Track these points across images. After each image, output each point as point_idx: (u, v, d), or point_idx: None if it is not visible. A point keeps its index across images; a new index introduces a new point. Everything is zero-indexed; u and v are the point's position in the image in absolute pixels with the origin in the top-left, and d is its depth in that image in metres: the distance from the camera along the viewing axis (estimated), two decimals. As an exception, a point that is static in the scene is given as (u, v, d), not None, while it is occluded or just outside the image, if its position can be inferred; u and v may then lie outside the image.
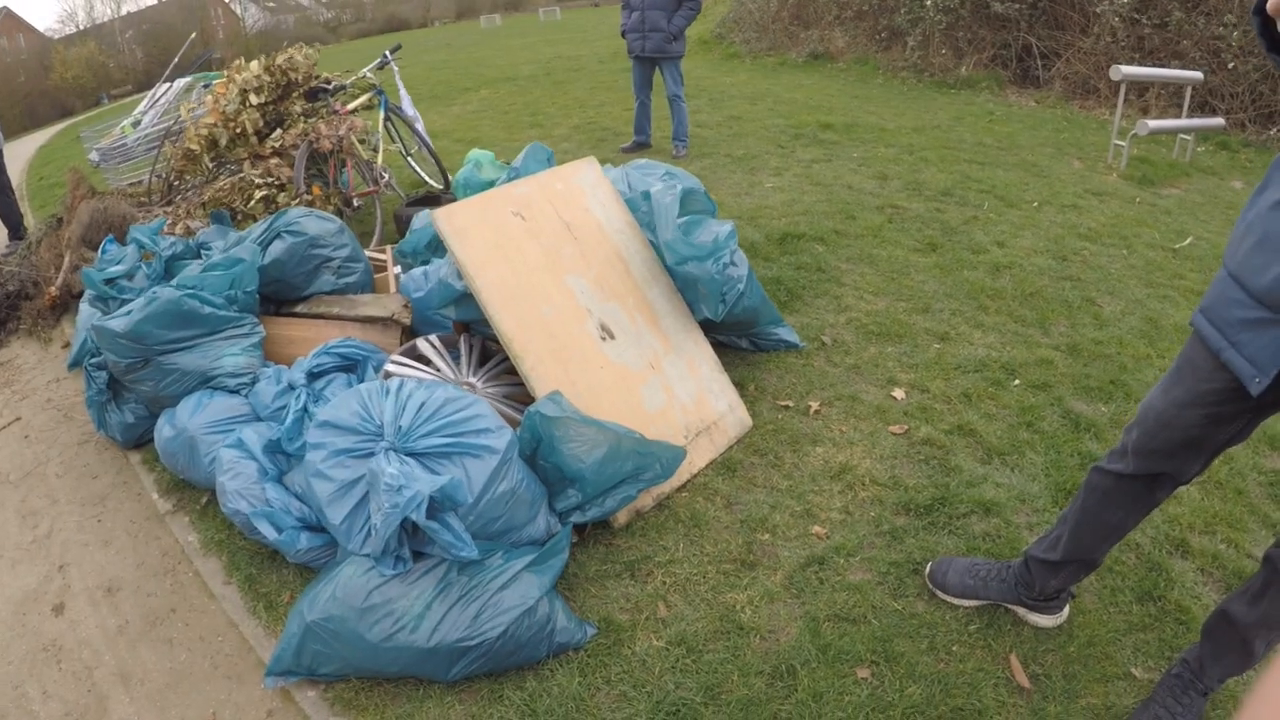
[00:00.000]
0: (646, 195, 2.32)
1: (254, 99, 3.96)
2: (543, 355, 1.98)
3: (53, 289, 3.99)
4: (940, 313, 3.41)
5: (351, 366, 2.25)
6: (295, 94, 4.14)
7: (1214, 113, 6.75)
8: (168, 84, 5.37)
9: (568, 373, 2.01)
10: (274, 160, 3.89)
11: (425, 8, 33.73)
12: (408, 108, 4.56)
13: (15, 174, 5.83)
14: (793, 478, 2.36)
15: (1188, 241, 4.41)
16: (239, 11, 31.25)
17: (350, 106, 4.17)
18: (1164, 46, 6.96)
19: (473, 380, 2.12)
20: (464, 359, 2.18)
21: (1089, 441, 2.56)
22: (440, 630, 1.51)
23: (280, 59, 4.07)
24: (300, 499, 1.86)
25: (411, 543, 1.55)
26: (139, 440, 2.78)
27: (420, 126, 4.61)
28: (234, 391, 2.36)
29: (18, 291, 4.09)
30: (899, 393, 2.85)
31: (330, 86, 4.11)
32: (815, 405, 2.71)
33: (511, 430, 1.72)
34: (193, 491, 2.49)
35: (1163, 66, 6.95)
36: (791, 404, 2.71)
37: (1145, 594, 1.87)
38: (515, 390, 2.13)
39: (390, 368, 2.08)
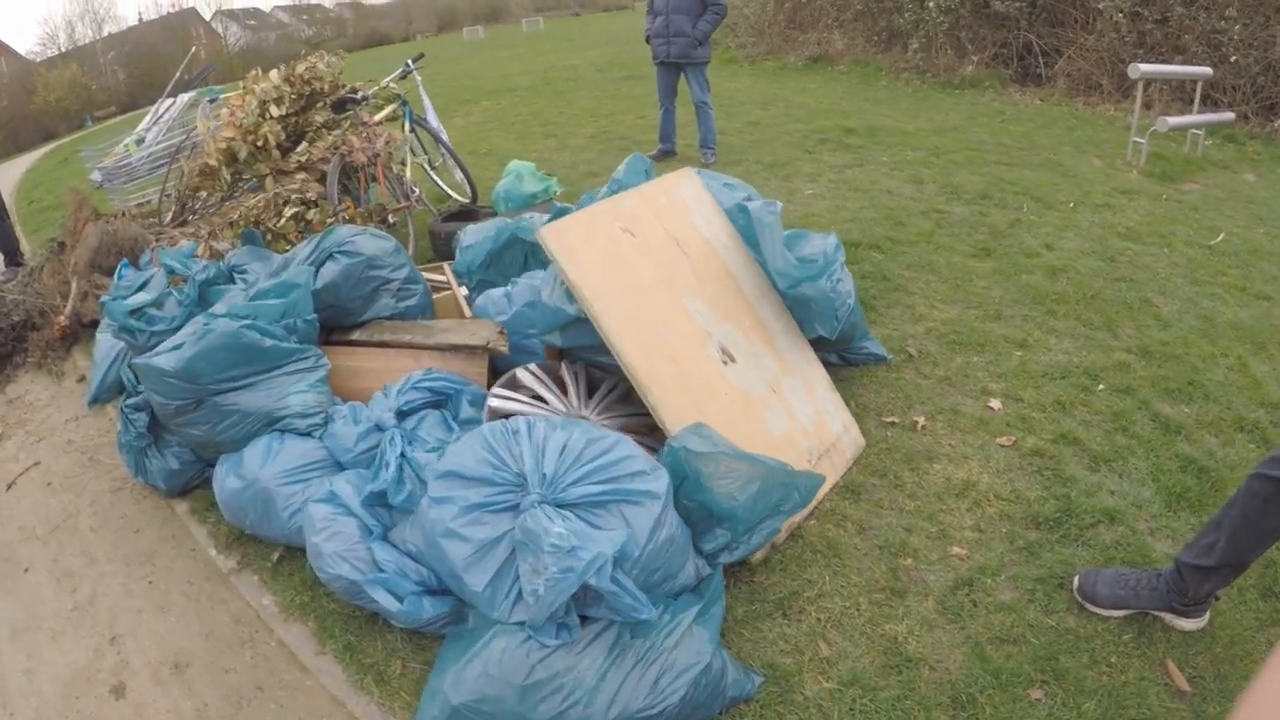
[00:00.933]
0: (743, 210, 2.16)
1: (274, 110, 3.72)
2: (668, 383, 1.80)
3: (62, 319, 3.69)
4: (1012, 319, 3.33)
5: (442, 402, 2.04)
6: (319, 104, 3.92)
7: (1216, 106, 6.82)
8: (170, 99, 5.10)
9: (695, 401, 1.83)
10: (301, 175, 3.65)
11: (407, 21, 34.03)
12: (432, 119, 4.36)
13: (5, 198, 5.51)
14: (918, 497, 2.24)
15: (1220, 238, 4.39)
16: (221, 30, 31.34)
17: (377, 118, 3.96)
18: (1165, 41, 7.03)
19: (586, 413, 1.93)
20: (572, 389, 1.98)
21: (1182, 444, 2.55)
22: (619, 702, 1.32)
23: (301, 68, 3.85)
24: (414, 558, 1.64)
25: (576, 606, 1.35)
26: (185, 487, 2.53)
27: (445, 138, 4.41)
28: (305, 434, 2.13)
29: (23, 322, 3.77)
30: (995, 403, 2.74)
31: (358, 96, 3.89)
32: (921, 420, 2.57)
33: (666, 471, 1.54)
34: (258, 546, 2.24)
35: (1164, 61, 7.02)
36: (896, 420, 2.57)
37: (1267, 590, 1.89)
38: (631, 421, 1.94)
39: (495, 403, 1.88)
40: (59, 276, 3.94)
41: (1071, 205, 4.79)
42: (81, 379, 3.50)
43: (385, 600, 1.55)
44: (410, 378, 2.04)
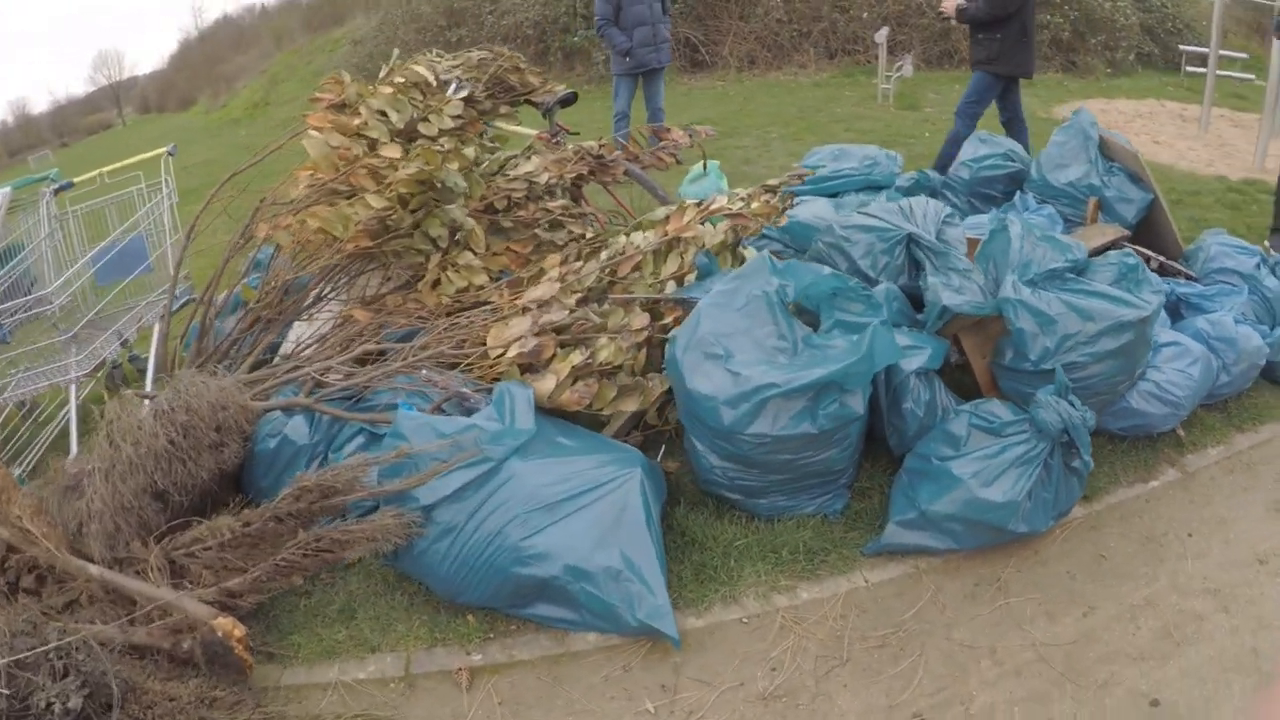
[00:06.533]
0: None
1: (441, 122, 3.02)
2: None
3: (229, 623, 1.99)
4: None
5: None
6: (503, 109, 3.39)
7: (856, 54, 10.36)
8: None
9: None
10: (559, 204, 3.10)
11: None
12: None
13: None
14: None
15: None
16: None
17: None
18: (809, 13, 10.34)
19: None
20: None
21: None
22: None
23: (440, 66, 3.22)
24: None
25: None
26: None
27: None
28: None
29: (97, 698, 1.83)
30: None
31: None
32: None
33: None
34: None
35: (808, 30, 10.39)
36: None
37: None
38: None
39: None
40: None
41: (928, 135, 7.06)
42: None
43: None
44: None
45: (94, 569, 2.18)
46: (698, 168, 4.09)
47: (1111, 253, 2.62)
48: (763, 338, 2.23)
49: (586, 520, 2.05)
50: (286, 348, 3.10)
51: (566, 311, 2.52)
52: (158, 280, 3.27)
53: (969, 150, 4.10)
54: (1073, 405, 2.24)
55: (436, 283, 3.05)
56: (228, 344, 2.88)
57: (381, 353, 2.80)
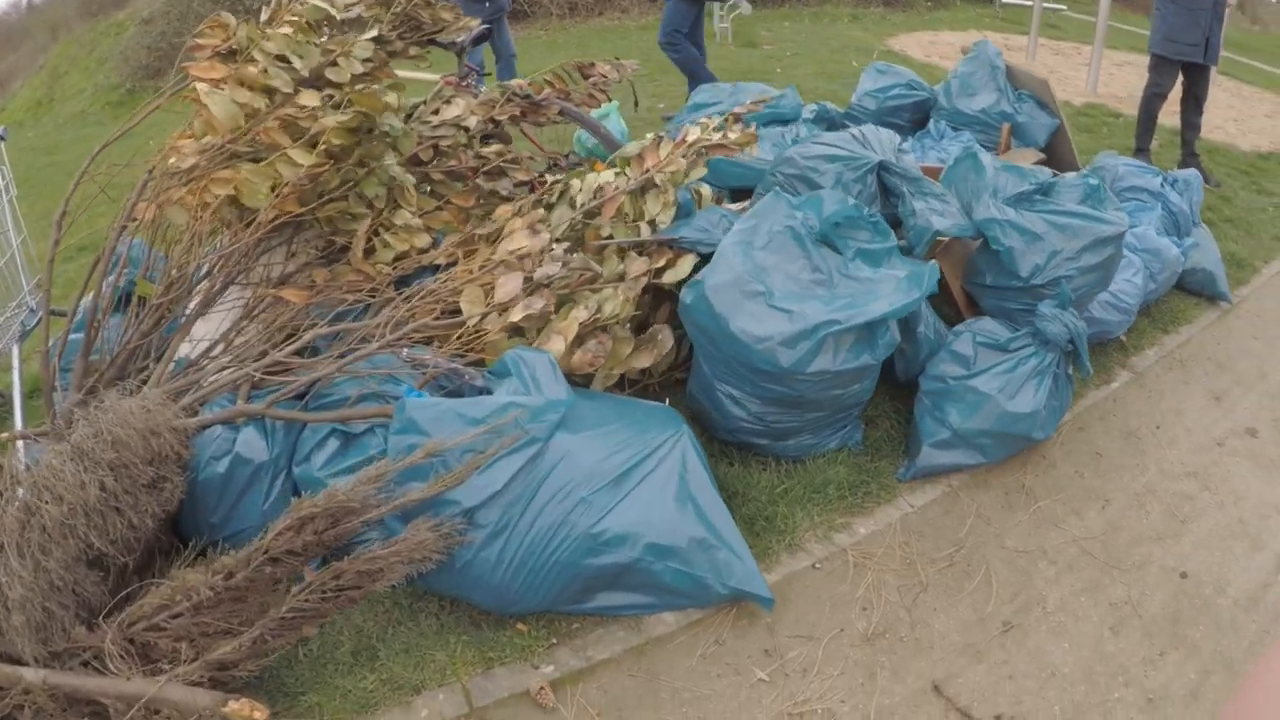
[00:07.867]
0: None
1: (359, 59, 2.66)
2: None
3: (245, 707, 1.64)
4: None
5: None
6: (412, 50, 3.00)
7: None
8: None
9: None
10: (493, 148, 2.90)
11: None
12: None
13: None
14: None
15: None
16: None
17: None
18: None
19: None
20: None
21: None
22: None
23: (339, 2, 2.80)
24: None
25: None
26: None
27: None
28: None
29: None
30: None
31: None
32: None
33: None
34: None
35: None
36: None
37: None
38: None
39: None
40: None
41: (779, 71, 7.26)
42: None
43: None
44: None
45: (31, 673, 1.75)
46: (600, 110, 3.93)
47: (1070, 175, 2.78)
48: (796, 271, 2.20)
49: (654, 490, 1.92)
50: (184, 350, 2.65)
51: (559, 264, 2.31)
52: (3, 294, 2.68)
53: (870, 82, 4.24)
54: (1074, 316, 2.38)
55: (370, 250, 2.73)
56: (124, 355, 2.39)
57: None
